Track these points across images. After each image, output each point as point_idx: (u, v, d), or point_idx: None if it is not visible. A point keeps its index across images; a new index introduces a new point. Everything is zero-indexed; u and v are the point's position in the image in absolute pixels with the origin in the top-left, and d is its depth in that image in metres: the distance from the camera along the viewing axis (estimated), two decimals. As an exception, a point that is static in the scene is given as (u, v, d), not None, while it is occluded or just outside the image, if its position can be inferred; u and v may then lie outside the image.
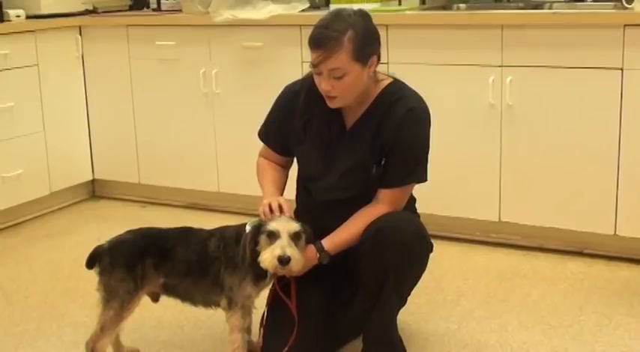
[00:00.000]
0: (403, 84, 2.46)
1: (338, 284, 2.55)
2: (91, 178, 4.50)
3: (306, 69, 2.37)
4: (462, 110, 3.43)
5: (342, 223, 2.39)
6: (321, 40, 2.25)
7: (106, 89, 4.35)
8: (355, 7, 2.39)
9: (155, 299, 2.56)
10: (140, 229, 2.52)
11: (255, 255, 2.29)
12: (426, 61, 3.46)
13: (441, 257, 3.15)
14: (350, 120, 2.45)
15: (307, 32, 2.31)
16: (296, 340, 2.35)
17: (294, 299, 2.40)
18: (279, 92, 2.59)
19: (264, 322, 2.49)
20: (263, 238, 2.28)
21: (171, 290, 2.49)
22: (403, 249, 2.29)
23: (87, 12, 4.46)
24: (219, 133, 4.06)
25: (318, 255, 2.35)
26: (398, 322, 2.49)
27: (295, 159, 2.62)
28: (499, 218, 3.47)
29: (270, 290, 2.49)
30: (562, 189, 3.31)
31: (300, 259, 2.27)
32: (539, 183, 3.34)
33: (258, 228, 2.30)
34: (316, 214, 2.48)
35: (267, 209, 2.34)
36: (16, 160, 3.99)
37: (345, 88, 2.29)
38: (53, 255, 3.65)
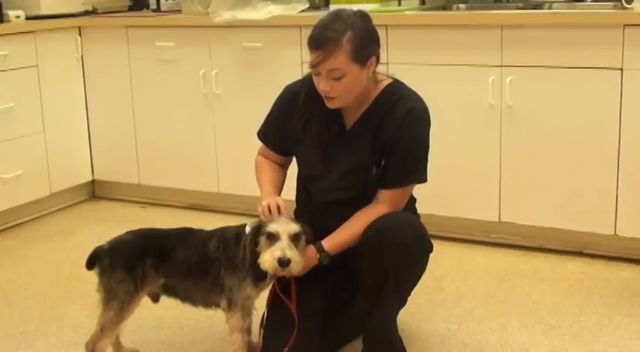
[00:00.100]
0: (403, 84, 2.46)
1: (338, 284, 2.55)
2: (90, 179, 4.50)
3: (306, 69, 2.36)
4: (461, 110, 3.43)
5: (341, 224, 2.39)
6: (320, 40, 2.25)
7: (105, 90, 4.35)
8: (355, 7, 2.39)
9: (155, 299, 2.56)
10: (140, 230, 2.52)
11: (255, 255, 2.29)
12: (425, 62, 3.46)
13: (441, 257, 3.15)
14: (350, 120, 2.45)
15: (307, 33, 2.31)
16: (296, 341, 2.35)
17: (294, 299, 2.40)
18: (279, 92, 2.59)
19: (264, 323, 2.49)
20: (263, 239, 2.28)
21: (171, 291, 2.49)
22: (403, 249, 2.29)
23: (86, 13, 4.46)
24: (219, 134, 4.06)
25: (318, 256, 2.35)
26: (398, 322, 2.49)
27: (295, 160, 2.62)
28: (499, 218, 3.47)
29: (270, 291, 2.49)
30: (562, 189, 3.31)
31: (300, 260, 2.27)
32: (539, 183, 3.34)
33: (258, 229, 2.30)
34: (316, 215, 2.48)
35: (266, 210, 2.34)
36: (16, 161, 3.99)
37: (344, 89, 2.29)
38: (53, 255, 3.65)
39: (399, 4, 3.99)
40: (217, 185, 4.11)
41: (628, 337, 2.67)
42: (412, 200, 2.57)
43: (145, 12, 4.58)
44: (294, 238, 2.27)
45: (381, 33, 2.39)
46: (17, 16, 4.02)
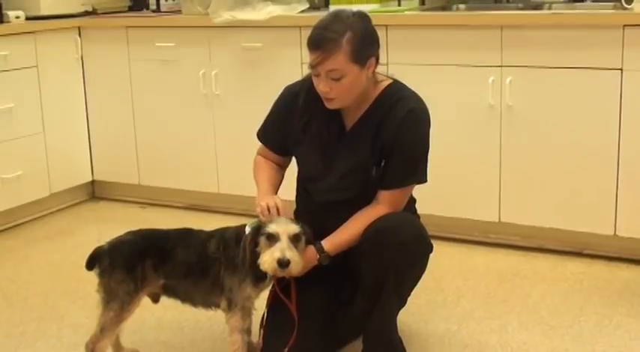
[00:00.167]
0: (402, 85, 2.46)
1: (338, 284, 2.55)
2: (90, 179, 4.49)
3: (306, 70, 2.36)
4: (461, 111, 3.43)
5: (341, 224, 2.39)
6: (320, 41, 2.25)
7: (105, 90, 4.35)
8: (355, 8, 2.39)
9: (155, 300, 2.56)
10: (140, 230, 2.52)
11: (255, 256, 2.29)
12: (425, 62, 3.46)
13: (441, 257, 3.15)
14: (349, 121, 2.45)
15: (307, 33, 2.31)
16: (296, 341, 2.35)
17: (294, 300, 2.40)
18: (279, 93, 2.59)
19: (264, 323, 2.49)
20: (263, 240, 2.28)
21: (171, 292, 2.49)
22: (403, 250, 2.29)
23: (86, 13, 4.46)
24: (219, 134, 4.06)
25: (317, 256, 2.35)
26: (398, 323, 2.49)
27: (295, 160, 2.62)
28: (499, 218, 3.47)
29: (270, 291, 2.49)
30: (562, 189, 3.31)
31: (300, 261, 2.27)
32: (539, 184, 3.34)
33: (257, 230, 2.30)
34: (316, 215, 2.48)
35: (265, 211, 2.34)
36: (16, 161, 3.99)
37: (343, 90, 2.29)
38: (53, 256, 3.65)
39: (399, 5, 3.99)
40: (217, 185, 4.12)
41: (628, 337, 2.67)
42: (412, 200, 2.57)
43: (144, 12, 4.58)
44: (294, 239, 2.27)
45: (381, 33, 2.39)
46: (17, 17, 4.02)
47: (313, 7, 4.03)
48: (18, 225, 4.09)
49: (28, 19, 4.09)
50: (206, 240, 2.43)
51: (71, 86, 4.32)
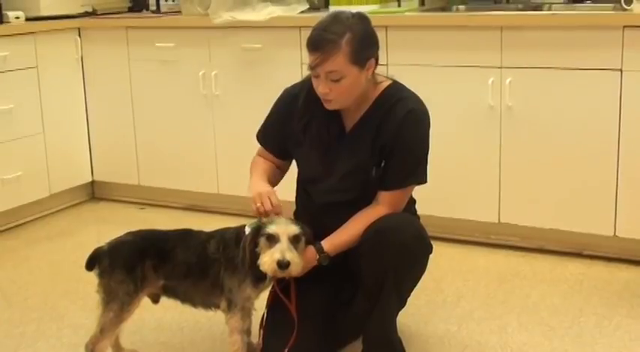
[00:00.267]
0: (402, 86, 2.46)
1: (338, 285, 2.55)
2: (90, 180, 4.49)
3: (306, 70, 2.36)
4: (461, 111, 3.43)
5: (341, 225, 2.39)
6: (319, 42, 2.25)
7: (105, 91, 4.35)
8: (354, 9, 2.39)
9: (155, 300, 2.56)
10: (140, 231, 2.52)
11: (255, 256, 2.29)
12: (425, 63, 3.46)
13: (441, 258, 3.15)
14: (349, 122, 2.45)
15: (306, 34, 2.31)
16: (296, 341, 2.35)
17: (293, 300, 2.40)
18: (279, 94, 2.59)
19: (263, 323, 2.49)
20: (262, 241, 2.28)
21: (171, 292, 2.49)
22: (403, 250, 2.29)
23: (86, 14, 4.45)
24: (218, 135, 4.06)
25: (317, 257, 2.35)
26: (398, 323, 2.49)
27: (295, 162, 2.62)
28: (499, 219, 3.47)
29: (270, 292, 2.49)
30: (561, 190, 3.31)
31: (300, 262, 2.27)
32: (539, 185, 3.34)
33: (257, 230, 2.30)
34: (316, 216, 2.48)
35: (261, 208, 2.33)
36: (16, 162, 3.99)
37: (343, 91, 2.29)
38: (53, 256, 3.65)
39: (399, 5, 3.99)
40: (217, 186, 4.12)
41: (627, 338, 2.67)
42: (412, 201, 2.57)
43: (144, 13, 4.57)
44: (294, 240, 2.27)
45: (381, 34, 2.39)
46: (17, 17, 4.02)
47: (313, 8, 4.03)
48: (18, 225, 4.09)
49: (27, 19, 4.09)
50: (206, 241, 2.43)
51: (71, 87, 4.32)
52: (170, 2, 4.39)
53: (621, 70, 3.11)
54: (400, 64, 3.43)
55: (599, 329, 2.75)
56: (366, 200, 2.42)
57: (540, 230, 3.42)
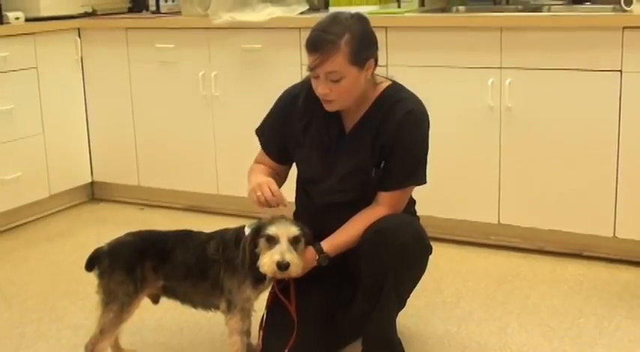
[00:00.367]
0: (401, 86, 2.46)
1: (337, 285, 2.55)
2: (90, 181, 4.49)
3: (306, 71, 2.36)
4: (461, 112, 3.43)
5: (341, 226, 2.39)
6: (318, 43, 2.26)
7: (105, 92, 4.35)
8: (354, 9, 2.40)
9: (155, 300, 2.56)
10: (140, 232, 2.52)
11: (255, 257, 2.29)
12: (425, 63, 3.46)
13: (441, 259, 3.15)
14: (349, 123, 2.45)
15: (306, 34, 2.31)
16: (295, 342, 2.35)
17: (293, 301, 2.40)
18: (279, 94, 2.59)
19: (263, 324, 2.49)
20: (262, 242, 2.28)
21: (170, 293, 2.49)
22: (402, 251, 2.29)
23: (86, 14, 4.45)
24: (218, 135, 4.06)
25: (317, 257, 2.35)
26: (397, 324, 2.49)
27: (295, 163, 2.62)
28: (498, 220, 3.47)
29: (270, 293, 2.49)
30: (561, 191, 3.31)
31: (300, 264, 2.27)
32: (539, 186, 3.34)
33: (257, 231, 2.30)
34: (316, 217, 2.48)
35: (261, 198, 2.33)
36: (16, 163, 3.99)
37: (342, 92, 2.30)
38: (52, 257, 3.65)
39: (399, 6, 3.99)
40: (217, 187, 4.12)
41: (627, 339, 2.68)
42: (412, 202, 2.57)
43: (144, 14, 4.57)
44: (294, 241, 2.27)
45: (381, 35, 2.40)
46: (17, 18, 4.02)
47: (313, 9, 4.03)
48: (17, 226, 4.09)
49: (27, 20, 4.09)
50: (205, 242, 2.43)
51: (71, 87, 4.32)
52: (170, 3, 4.39)
53: (621, 71, 3.11)
54: (400, 64, 3.43)
55: (598, 330, 2.75)
56: (365, 200, 2.42)
57: (540, 231, 3.42)
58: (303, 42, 2.33)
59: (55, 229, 4.07)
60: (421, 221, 2.53)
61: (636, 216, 3.19)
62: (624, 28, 3.07)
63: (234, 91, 3.95)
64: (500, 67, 3.32)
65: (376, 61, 2.36)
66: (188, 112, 4.11)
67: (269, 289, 2.48)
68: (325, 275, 2.43)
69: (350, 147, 2.43)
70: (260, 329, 2.49)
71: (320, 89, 2.30)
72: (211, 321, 2.76)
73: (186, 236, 2.48)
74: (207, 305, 2.48)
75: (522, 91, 3.29)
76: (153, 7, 4.48)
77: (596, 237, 3.31)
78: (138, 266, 2.39)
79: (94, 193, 4.58)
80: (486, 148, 3.41)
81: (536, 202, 3.37)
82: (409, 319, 2.79)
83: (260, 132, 2.63)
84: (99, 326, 2.39)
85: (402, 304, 2.48)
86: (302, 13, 3.88)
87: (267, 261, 2.24)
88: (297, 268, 2.26)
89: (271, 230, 2.26)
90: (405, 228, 2.33)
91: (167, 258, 2.41)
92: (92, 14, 4.49)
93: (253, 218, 2.41)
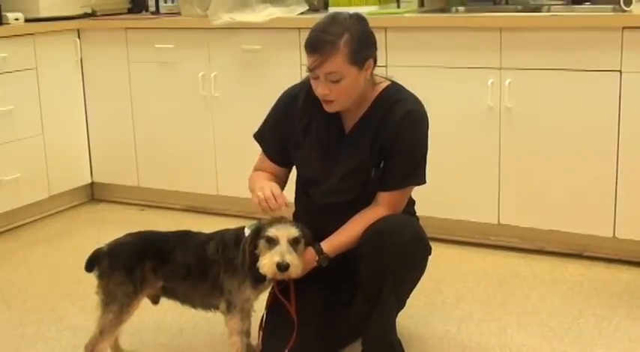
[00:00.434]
0: (400, 86, 2.46)
1: (337, 286, 2.55)
2: (89, 181, 4.49)
3: (305, 72, 2.36)
4: (460, 113, 3.43)
5: (341, 226, 2.39)
6: (318, 43, 2.26)
7: (104, 92, 4.35)
8: (353, 10, 2.39)
9: (155, 301, 2.56)
10: (139, 232, 2.52)
11: (255, 258, 2.29)
12: (424, 64, 3.46)
13: (440, 259, 3.15)
14: (349, 123, 2.45)
15: (306, 35, 2.31)
16: (295, 343, 2.35)
17: (293, 301, 2.40)
18: (278, 95, 2.58)
19: (263, 325, 2.49)
20: (262, 243, 2.28)
21: (170, 293, 2.49)
22: (401, 252, 2.29)
23: (85, 15, 4.45)
24: (218, 136, 4.06)
25: (317, 258, 2.35)
26: (397, 324, 2.49)
27: (294, 163, 2.62)
28: (498, 220, 3.47)
29: (270, 293, 2.49)
30: (561, 191, 3.31)
31: (299, 265, 2.27)
32: (539, 186, 3.34)
33: (257, 232, 2.30)
34: (315, 217, 2.48)
35: (264, 203, 2.31)
36: (15, 163, 3.99)
37: (342, 92, 2.30)
38: (52, 258, 3.65)
39: (398, 7, 3.99)
40: (216, 187, 4.11)
41: (627, 339, 2.67)
42: (411, 202, 2.57)
43: (144, 14, 4.57)
44: (293, 242, 2.27)
45: (380, 35, 2.40)
46: (16, 19, 4.02)
47: (312, 9, 4.03)
48: (17, 227, 4.09)
49: (27, 20, 4.09)
50: (205, 242, 2.43)
51: (70, 88, 4.32)
52: (169, 3, 4.39)
53: (620, 71, 3.11)
54: (399, 65, 3.43)
55: (598, 330, 2.75)
56: (365, 201, 2.42)
57: (540, 231, 3.42)
58: (303, 42, 2.33)
59: (55, 230, 4.07)
60: (421, 221, 2.53)
61: (636, 216, 3.19)
62: (624, 28, 3.07)
63: (234, 92, 3.95)
64: (500, 68, 3.32)
65: (375, 60, 2.36)
66: (188, 113, 4.11)
67: (269, 289, 2.48)
68: (325, 276, 2.43)
69: (350, 147, 2.43)
70: (260, 329, 2.49)
71: (320, 90, 2.30)
72: (211, 322, 2.76)
73: (185, 236, 2.48)
74: (206, 306, 2.48)
75: (522, 92, 3.29)
76: (152, 8, 4.48)
77: (596, 237, 3.31)
78: (137, 266, 2.39)
79: (94, 194, 4.58)
80: (486, 149, 3.41)
81: (535, 202, 3.37)
82: (409, 319, 2.78)
83: (259, 136, 2.62)
84: (98, 327, 2.39)
85: (401, 304, 2.48)
86: (301, 13, 3.89)
87: (267, 262, 2.24)
88: (297, 269, 2.26)
89: (271, 231, 2.26)
90: (404, 228, 2.33)
91: (167, 258, 2.41)
92: (92, 15, 4.49)
93: (253, 219, 2.41)
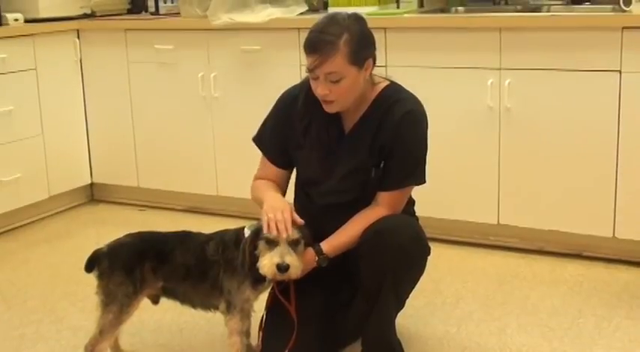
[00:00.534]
0: (400, 86, 2.46)
1: (337, 286, 2.55)
2: (89, 182, 4.49)
3: (305, 72, 2.36)
4: (460, 113, 3.43)
5: (341, 226, 2.39)
6: (317, 44, 2.26)
7: (104, 93, 4.35)
8: (352, 10, 2.39)
9: (155, 301, 2.56)
10: (139, 233, 2.52)
11: (254, 258, 2.29)
12: (424, 64, 3.46)
13: (440, 260, 3.15)
14: (348, 123, 2.45)
15: (305, 35, 2.31)
16: (295, 343, 2.35)
17: (293, 302, 2.40)
18: (278, 95, 2.58)
19: (263, 325, 2.49)
20: (262, 244, 2.28)
21: (170, 293, 2.49)
22: (401, 252, 2.29)
23: (85, 16, 4.45)
24: (217, 137, 4.06)
25: (316, 258, 2.35)
26: (396, 325, 2.49)
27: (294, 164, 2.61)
28: (498, 221, 3.47)
29: (269, 294, 2.49)
30: (561, 191, 3.31)
31: (299, 265, 2.27)
32: (538, 186, 3.34)
33: (257, 233, 2.30)
34: (315, 217, 2.47)
35: (272, 225, 2.27)
36: (15, 164, 3.99)
37: (342, 92, 2.30)
38: (52, 258, 3.65)
39: (398, 7, 3.99)
40: (216, 188, 4.11)
41: (627, 339, 2.68)
42: (411, 202, 2.57)
43: (143, 15, 4.57)
44: (293, 243, 2.27)
45: (380, 35, 2.40)
46: (16, 19, 4.02)
47: (312, 10, 4.04)
48: (17, 227, 4.09)
49: (26, 21, 4.09)
50: (205, 243, 2.43)
51: (70, 89, 4.32)
52: (169, 4, 4.39)
53: (620, 71, 3.11)
54: (399, 65, 3.43)
55: (598, 330, 2.75)
56: (365, 201, 2.42)
57: (539, 231, 3.42)
58: (302, 43, 2.33)
59: (55, 230, 4.07)
60: (420, 221, 2.53)
61: (635, 216, 3.19)
62: (623, 28, 3.07)
63: (234, 92, 3.95)
64: (500, 68, 3.32)
65: (374, 60, 2.36)
66: (187, 113, 4.11)
67: (268, 290, 2.48)
68: (325, 276, 2.43)
69: (350, 147, 2.43)
70: (260, 329, 2.49)
71: (319, 90, 2.30)
72: (211, 322, 2.76)
73: (185, 237, 2.48)
74: (206, 306, 2.48)
75: (522, 92, 3.29)
76: (152, 9, 4.48)
77: (596, 237, 3.31)
78: (137, 267, 2.39)
79: (94, 194, 4.58)
80: (486, 149, 3.41)
81: (535, 202, 3.37)
82: (408, 319, 2.79)
83: (258, 139, 2.61)
84: (98, 327, 2.39)
85: (401, 305, 2.48)
86: (301, 13, 3.89)
87: (267, 263, 2.24)
88: (296, 270, 2.26)
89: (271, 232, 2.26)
90: (403, 228, 2.33)
91: (166, 259, 2.41)
92: (91, 15, 4.49)
93: (253, 219, 2.41)
